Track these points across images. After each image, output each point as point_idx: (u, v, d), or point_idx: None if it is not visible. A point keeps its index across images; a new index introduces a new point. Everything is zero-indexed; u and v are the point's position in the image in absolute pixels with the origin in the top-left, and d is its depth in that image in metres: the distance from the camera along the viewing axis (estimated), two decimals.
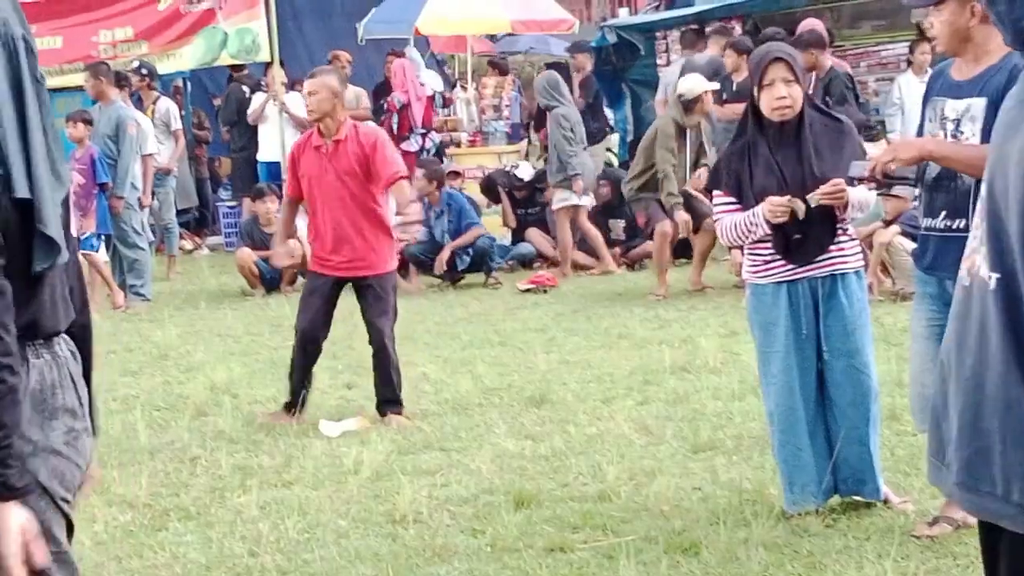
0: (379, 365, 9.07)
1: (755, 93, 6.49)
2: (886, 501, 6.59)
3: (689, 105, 13.76)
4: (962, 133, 5.90)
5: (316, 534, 6.75)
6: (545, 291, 14.33)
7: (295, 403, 9.06)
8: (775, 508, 6.60)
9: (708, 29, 17.67)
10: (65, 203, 3.40)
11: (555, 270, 15.49)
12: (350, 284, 9.14)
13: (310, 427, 8.83)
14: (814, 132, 6.48)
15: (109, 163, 14.41)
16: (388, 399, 9.03)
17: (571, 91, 18.26)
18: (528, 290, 14.39)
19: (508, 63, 21.98)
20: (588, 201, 15.65)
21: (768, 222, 6.38)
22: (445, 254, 14.94)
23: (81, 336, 3.65)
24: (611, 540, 6.42)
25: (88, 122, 14.45)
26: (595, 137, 18.14)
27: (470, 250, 15.06)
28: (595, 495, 7.11)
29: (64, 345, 3.52)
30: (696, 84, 13.98)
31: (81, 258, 13.30)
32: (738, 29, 17.76)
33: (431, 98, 18.07)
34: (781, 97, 6.40)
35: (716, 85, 14.41)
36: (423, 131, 17.64)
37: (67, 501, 3.51)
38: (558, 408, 9.09)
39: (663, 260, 13.87)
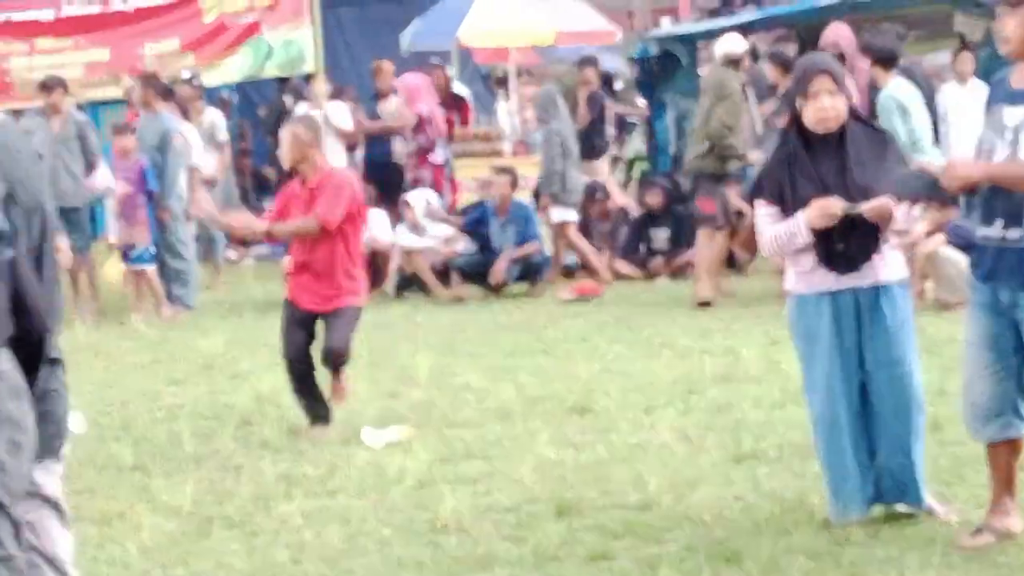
0: (329, 367, 9.23)
1: (798, 104, 6.49)
2: (930, 511, 6.58)
3: (737, 65, 13.88)
4: (1019, 142, 5.89)
5: (359, 543, 6.79)
6: (588, 300, 14.33)
7: (319, 419, 9.12)
8: (817, 517, 6.61)
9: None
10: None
11: (597, 279, 15.51)
12: None
13: (353, 436, 8.87)
14: (856, 142, 6.47)
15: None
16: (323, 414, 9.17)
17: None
18: (571, 299, 14.40)
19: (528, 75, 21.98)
20: (574, 216, 15.79)
21: (809, 230, 6.38)
22: (502, 264, 14.90)
23: (38, 344, 3.72)
24: (653, 549, 6.44)
25: (133, 131, 14.57)
26: (597, 152, 18.45)
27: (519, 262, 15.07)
28: (637, 504, 7.12)
29: (4, 357, 3.56)
30: (737, 43, 14.11)
31: (121, 268, 13.21)
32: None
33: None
34: (824, 109, 6.40)
35: (746, 44, 14.55)
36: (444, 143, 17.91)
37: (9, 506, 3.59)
38: (600, 417, 9.11)
39: (706, 261, 13.86)
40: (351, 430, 9.02)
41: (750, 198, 7.11)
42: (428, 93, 18.22)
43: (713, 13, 27.83)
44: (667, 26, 25.64)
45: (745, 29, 18.91)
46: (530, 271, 15.13)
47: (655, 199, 16.24)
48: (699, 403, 9.34)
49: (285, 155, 9.15)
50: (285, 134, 9.17)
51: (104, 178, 15.15)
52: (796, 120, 6.53)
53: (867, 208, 6.32)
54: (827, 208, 6.32)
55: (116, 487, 8.01)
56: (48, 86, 15.21)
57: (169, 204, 14.61)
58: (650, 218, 16.31)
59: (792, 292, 6.67)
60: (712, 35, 19.26)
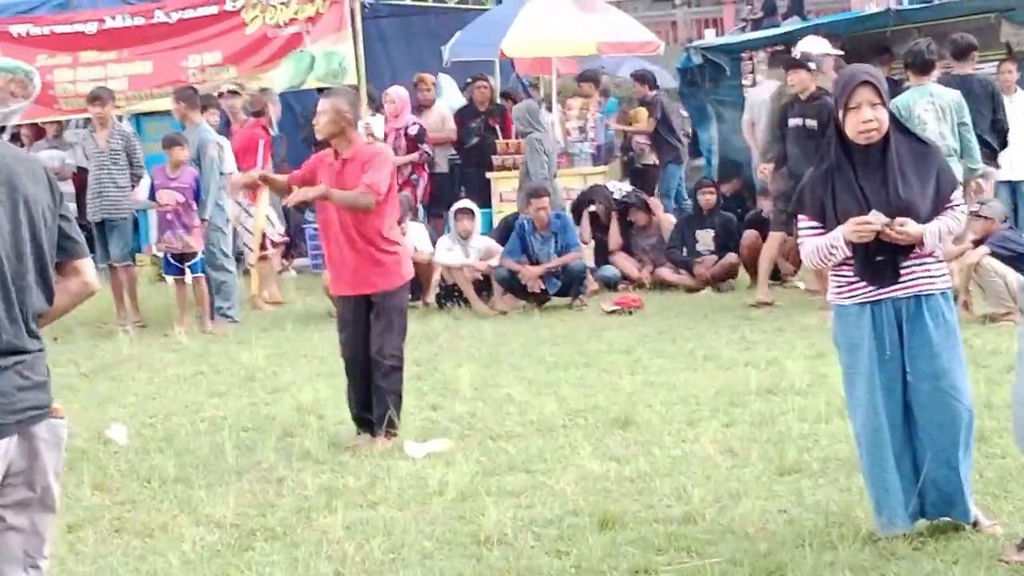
0: (377, 377, 9.13)
1: (840, 116, 6.43)
2: (975, 524, 6.52)
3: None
4: None
5: (401, 555, 6.77)
6: (630, 312, 14.29)
7: (364, 426, 9.12)
8: (861, 531, 6.55)
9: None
10: None
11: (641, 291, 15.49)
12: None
13: (395, 448, 8.86)
14: (900, 155, 6.41)
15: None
16: (382, 418, 9.09)
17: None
18: (613, 311, 14.37)
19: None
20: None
21: (848, 244, 6.34)
22: (540, 270, 14.88)
23: None
24: (696, 562, 6.40)
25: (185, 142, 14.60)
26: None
27: (560, 272, 15.02)
28: (680, 517, 7.08)
29: None
30: (816, 45, 14.06)
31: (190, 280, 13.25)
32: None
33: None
34: (867, 120, 6.34)
35: (838, 52, 14.50)
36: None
37: None
38: (643, 430, 9.07)
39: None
40: (393, 442, 9.00)
41: (792, 213, 7.04)
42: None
43: (756, 24, 27.82)
44: (711, 36, 25.63)
45: (789, 39, 18.90)
46: (571, 283, 15.09)
47: (709, 197, 16.24)
48: (743, 416, 9.29)
49: (322, 127, 9.11)
50: (325, 105, 9.13)
51: (146, 190, 15.23)
52: (837, 132, 6.48)
53: (894, 229, 6.26)
54: (864, 226, 6.27)
55: (158, 499, 8.02)
56: (99, 98, 15.25)
57: (206, 216, 14.59)
58: (697, 219, 16.31)
59: (834, 303, 6.63)
60: (755, 45, 19.29)
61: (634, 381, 10.64)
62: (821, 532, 6.63)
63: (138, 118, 19.39)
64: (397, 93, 18.19)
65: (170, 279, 14.96)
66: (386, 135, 17.74)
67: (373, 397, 9.16)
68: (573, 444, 8.77)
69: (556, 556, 6.63)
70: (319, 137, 9.37)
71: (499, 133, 18.85)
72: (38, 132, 20.58)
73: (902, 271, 6.37)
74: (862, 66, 7.01)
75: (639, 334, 12.97)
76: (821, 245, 6.44)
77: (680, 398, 9.98)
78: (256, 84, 18.10)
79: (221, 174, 14.97)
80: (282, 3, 18.12)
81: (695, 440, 8.66)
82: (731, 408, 9.53)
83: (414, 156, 17.91)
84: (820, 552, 6.34)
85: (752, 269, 15.60)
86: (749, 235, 15.72)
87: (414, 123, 18.04)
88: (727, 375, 10.68)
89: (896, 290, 6.38)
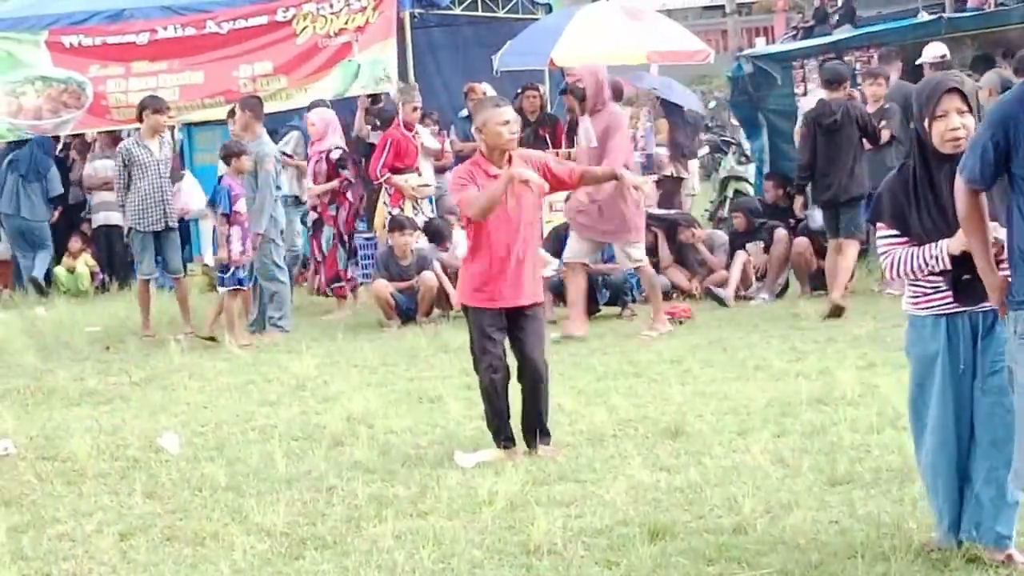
0: (541, 396, 9.04)
1: (924, 124, 6.32)
2: (1009, 558, 6.26)
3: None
4: None
5: (451, 564, 6.77)
6: (680, 322, 14.26)
7: (511, 440, 9.05)
8: (914, 543, 6.51)
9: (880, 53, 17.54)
10: None
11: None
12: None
13: (445, 458, 8.87)
14: None
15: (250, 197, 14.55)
16: (543, 429, 9.05)
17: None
18: None
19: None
20: None
21: (952, 256, 6.21)
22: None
23: None
24: (747, 573, 6.38)
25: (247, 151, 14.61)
26: None
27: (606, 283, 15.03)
28: (731, 527, 7.06)
29: None
30: (940, 47, 14.18)
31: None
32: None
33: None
34: (955, 128, 6.22)
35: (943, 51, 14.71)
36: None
37: None
38: (693, 440, 9.04)
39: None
40: (443, 451, 9.01)
41: (871, 221, 6.89)
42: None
43: (808, 32, 27.76)
44: (762, 45, 25.58)
45: (840, 48, 18.87)
46: (619, 294, 15.09)
47: (738, 222, 16.32)
48: (794, 426, 9.25)
49: (516, 136, 9.12)
50: (512, 113, 9.12)
51: (198, 199, 15.32)
52: (918, 139, 6.38)
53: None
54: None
55: (209, 508, 8.04)
56: (169, 108, 15.44)
57: (260, 229, 14.59)
58: (745, 234, 16.30)
59: (909, 314, 6.51)
60: (807, 54, 19.23)
61: (684, 391, 10.61)
62: (873, 543, 6.59)
63: (189, 128, 19.52)
64: (320, 115, 17.40)
65: (224, 290, 14.99)
66: (307, 158, 17.15)
67: (528, 405, 9.02)
68: (623, 454, 8.76)
69: (606, 566, 6.62)
70: (512, 146, 9.06)
71: (549, 143, 18.82)
72: (89, 143, 20.72)
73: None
74: (949, 73, 6.90)
75: (689, 344, 12.93)
76: (917, 254, 6.27)
77: (731, 408, 9.94)
78: (306, 94, 18.15)
79: (277, 188, 15.02)
80: (332, 13, 18.20)
81: (746, 450, 8.63)
82: (782, 418, 9.49)
83: (334, 184, 16.49)
84: (872, 564, 6.30)
85: (803, 277, 15.62)
86: (800, 243, 15.67)
87: (337, 147, 16.73)
88: (778, 385, 10.64)
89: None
